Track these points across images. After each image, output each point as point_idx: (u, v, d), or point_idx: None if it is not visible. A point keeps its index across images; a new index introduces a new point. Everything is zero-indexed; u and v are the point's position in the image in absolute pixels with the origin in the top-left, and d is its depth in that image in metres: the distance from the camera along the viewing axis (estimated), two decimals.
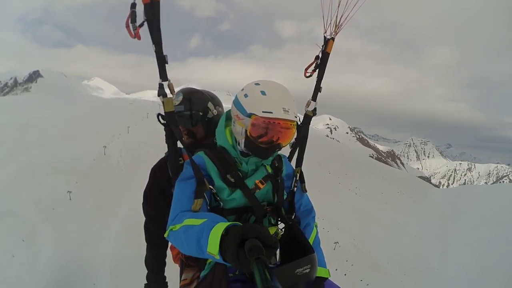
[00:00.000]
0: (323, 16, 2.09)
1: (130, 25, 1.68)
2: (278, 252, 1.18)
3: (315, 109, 2.20)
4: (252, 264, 0.98)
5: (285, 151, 2.12)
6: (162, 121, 1.88)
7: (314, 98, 2.20)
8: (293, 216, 1.95)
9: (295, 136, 1.77)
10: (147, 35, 1.71)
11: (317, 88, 2.18)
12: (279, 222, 1.90)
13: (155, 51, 1.74)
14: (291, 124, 1.65)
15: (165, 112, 1.85)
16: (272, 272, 0.95)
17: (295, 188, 1.99)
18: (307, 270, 1.45)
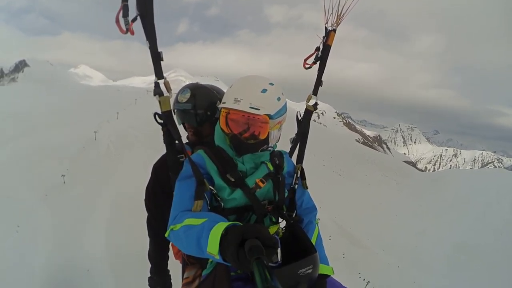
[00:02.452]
0: (324, 7, 2.01)
1: (121, 19, 1.60)
2: (279, 251, 1.16)
3: (316, 103, 2.14)
4: (252, 264, 0.98)
5: (285, 147, 2.14)
6: (159, 120, 1.85)
7: (315, 92, 2.13)
8: (294, 214, 1.92)
9: (261, 128, 1.64)
10: (139, 29, 1.65)
11: (318, 82, 2.11)
12: (280, 221, 1.88)
13: (149, 48, 1.69)
14: (243, 115, 1.60)
15: (162, 112, 1.82)
16: (272, 272, 0.95)
17: (296, 185, 1.96)
18: (310, 271, 1.44)
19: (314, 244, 1.72)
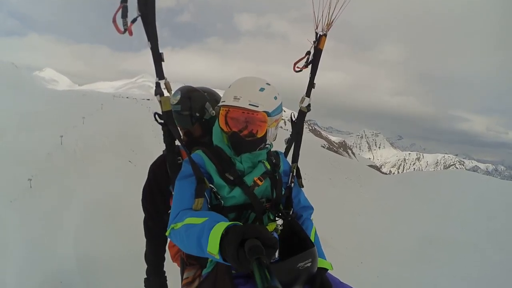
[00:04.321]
0: (314, 12, 2.07)
1: (120, 20, 1.60)
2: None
3: (309, 105, 2.20)
4: (252, 264, 0.98)
5: (281, 147, 2.20)
6: (159, 120, 1.86)
7: (308, 94, 2.20)
8: (291, 212, 1.97)
9: (259, 126, 1.69)
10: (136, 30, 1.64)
11: (311, 84, 2.19)
12: (277, 218, 1.91)
13: (151, 48, 1.72)
14: (242, 113, 1.65)
15: (162, 112, 1.84)
16: (272, 271, 0.94)
17: (292, 184, 2.01)
18: (309, 264, 1.47)
19: (312, 239, 1.77)
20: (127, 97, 49.64)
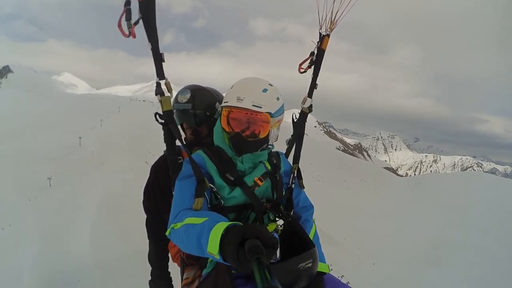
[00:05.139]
0: (318, 13, 2.06)
1: (124, 23, 1.65)
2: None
3: (311, 105, 2.19)
4: (252, 264, 0.97)
5: (282, 148, 2.19)
6: (160, 120, 1.86)
7: (309, 94, 2.19)
8: (291, 212, 1.94)
9: (262, 127, 1.70)
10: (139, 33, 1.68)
11: (313, 85, 2.17)
12: (278, 219, 1.89)
13: (151, 49, 1.73)
14: (246, 113, 1.65)
15: (163, 111, 1.84)
16: (272, 272, 0.93)
17: (293, 185, 2.00)
18: (310, 265, 1.44)
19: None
20: (144, 100, 50.52)
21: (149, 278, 2.36)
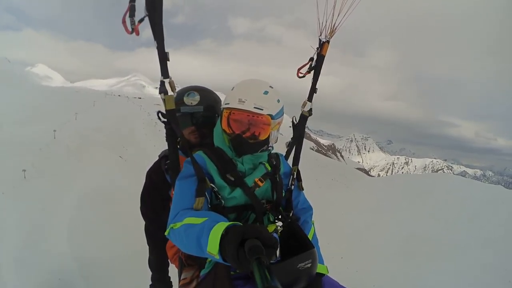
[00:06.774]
0: (318, 19, 2.10)
1: (128, 20, 1.60)
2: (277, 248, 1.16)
3: (311, 109, 2.23)
4: (252, 264, 0.97)
5: (281, 150, 2.21)
6: (162, 119, 1.85)
7: (309, 98, 2.22)
8: (291, 214, 1.96)
9: (262, 129, 1.72)
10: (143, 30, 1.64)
11: (313, 89, 2.21)
12: (277, 220, 1.91)
13: (157, 48, 1.71)
14: (247, 115, 1.67)
15: (166, 110, 1.82)
16: (272, 272, 0.94)
17: (293, 186, 2.02)
18: (309, 265, 1.46)
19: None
20: (119, 95, 49.46)
21: (141, 276, 2.38)
